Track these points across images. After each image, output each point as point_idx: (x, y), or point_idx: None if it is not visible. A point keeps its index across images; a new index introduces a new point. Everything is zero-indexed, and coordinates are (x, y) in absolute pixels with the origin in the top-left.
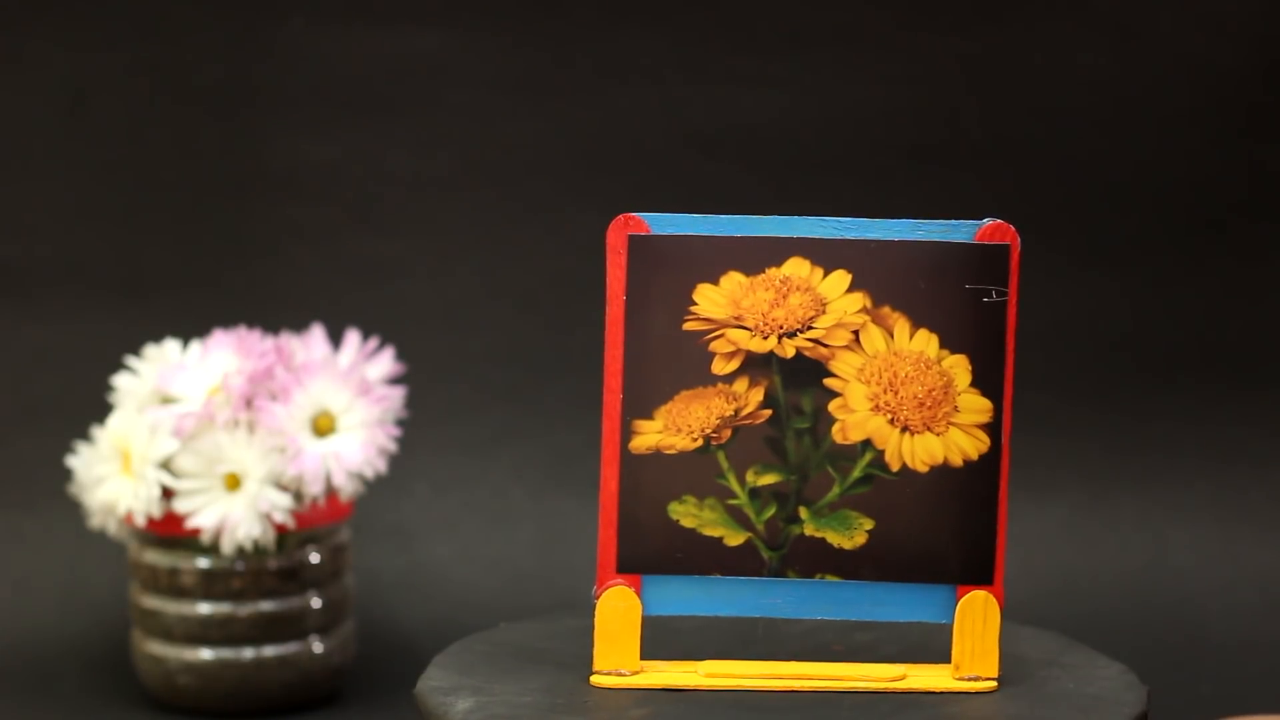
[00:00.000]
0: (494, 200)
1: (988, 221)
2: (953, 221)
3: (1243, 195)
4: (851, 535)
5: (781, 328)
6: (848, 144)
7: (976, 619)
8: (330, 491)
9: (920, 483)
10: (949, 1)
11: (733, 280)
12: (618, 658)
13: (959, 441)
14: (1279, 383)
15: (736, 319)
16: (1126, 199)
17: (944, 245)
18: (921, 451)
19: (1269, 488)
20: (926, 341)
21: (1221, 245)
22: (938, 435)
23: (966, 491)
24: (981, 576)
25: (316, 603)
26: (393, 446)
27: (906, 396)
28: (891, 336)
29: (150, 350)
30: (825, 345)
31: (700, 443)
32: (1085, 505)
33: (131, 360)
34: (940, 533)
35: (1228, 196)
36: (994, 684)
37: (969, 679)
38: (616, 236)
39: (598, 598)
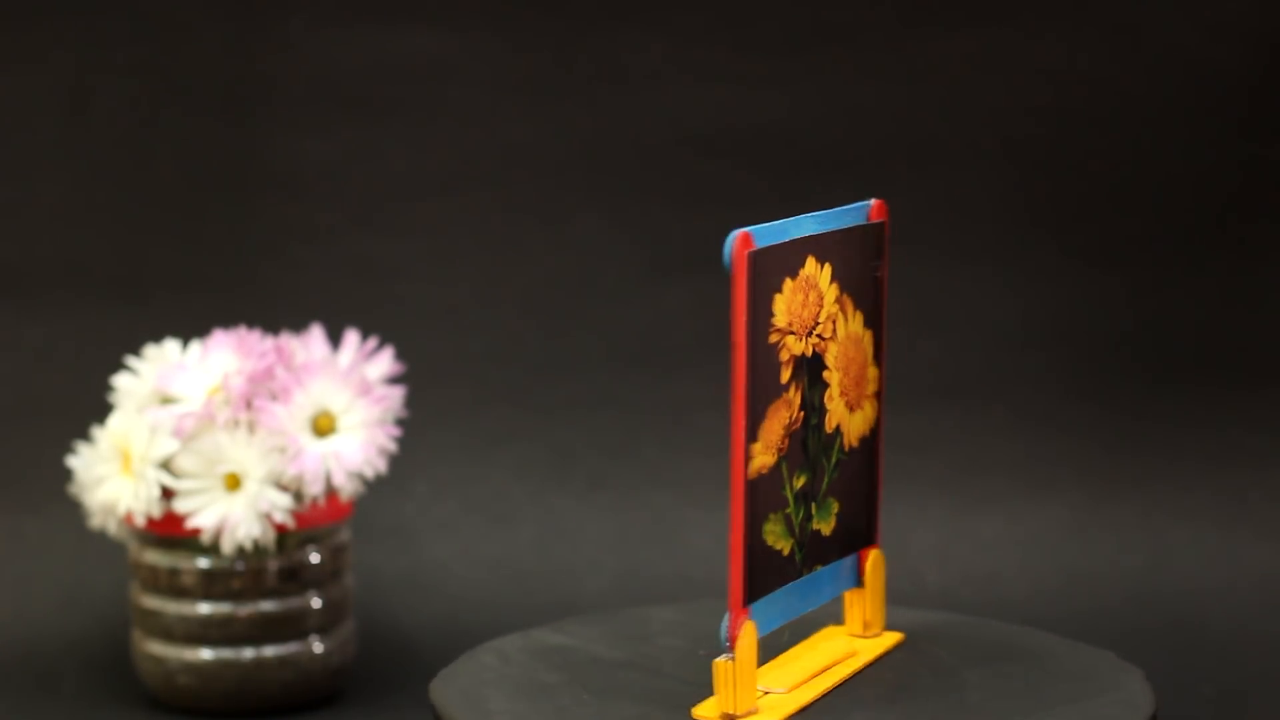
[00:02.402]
0: (494, 200)
1: (872, 202)
2: (857, 204)
3: (1243, 195)
4: (830, 521)
5: (806, 327)
6: (848, 144)
7: (878, 577)
8: (330, 491)
9: (855, 457)
10: (949, 1)
11: (788, 286)
12: (750, 696)
13: (868, 412)
14: (1279, 383)
15: (789, 325)
16: (1126, 199)
17: (859, 228)
18: (856, 427)
19: (1269, 488)
20: (859, 321)
21: (1221, 245)
22: (861, 410)
23: (870, 457)
24: (874, 536)
25: (316, 603)
26: (393, 446)
27: (852, 377)
28: (847, 321)
29: (150, 350)
30: (823, 338)
31: (777, 457)
32: (1085, 505)
33: (131, 360)
34: (861, 501)
35: (1227, 196)
36: (900, 634)
37: (876, 635)
38: (740, 256)
39: (734, 637)
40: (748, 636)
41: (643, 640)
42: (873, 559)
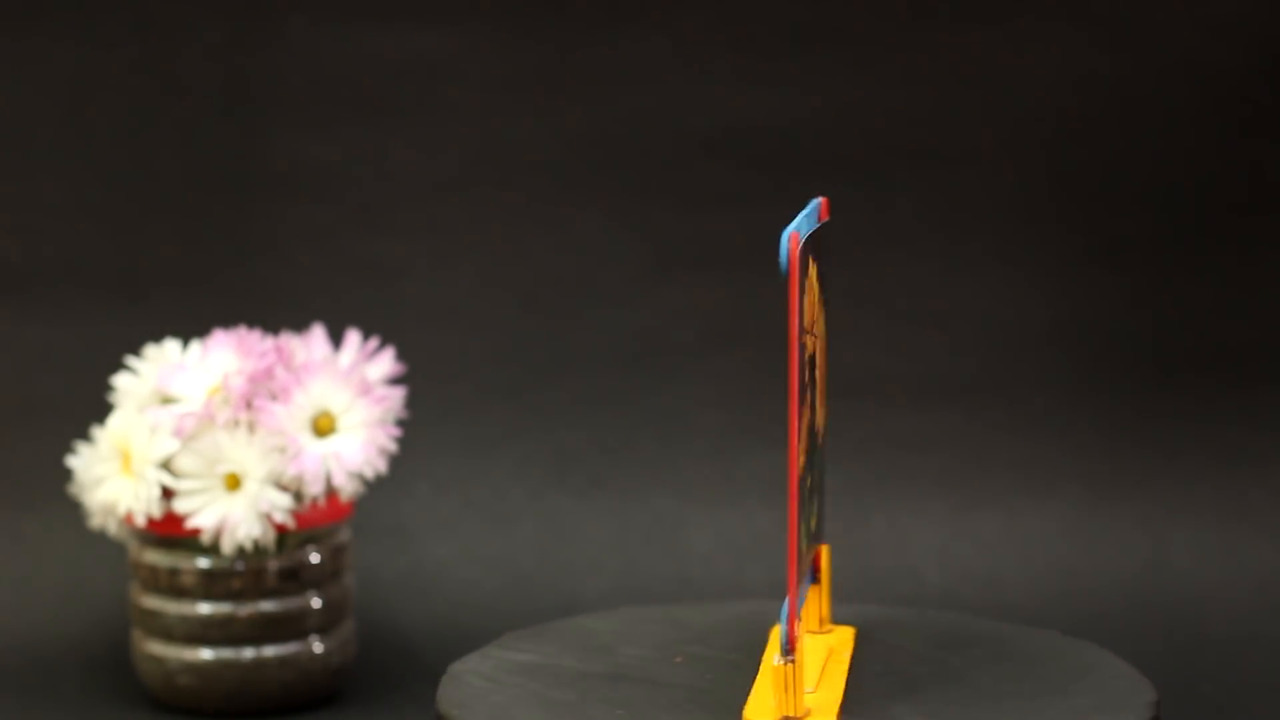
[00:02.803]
0: (494, 200)
1: (820, 200)
2: (811, 204)
3: (1243, 195)
4: (813, 519)
5: (811, 326)
6: (848, 144)
7: (828, 572)
8: (330, 491)
9: (822, 454)
10: (949, 1)
11: (806, 286)
12: (803, 698)
13: (823, 409)
14: (1279, 382)
15: (808, 325)
16: (1127, 199)
17: (821, 227)
18: (821, 424)
19: (1269, 488)
20: (822, 320)
21: (1221, 245)
22: (822, 407)
23: (824, 453)
24: (822, 533)
25: (316, 603)
26: (393, 446)
27: (821, 374)
28: (820, 319)
29: (150, 350)
30: (815, 337)
31: (806, 458)
32: (1085, 505)
33: (131, 360)
34: (821, 496)
35: (1228, 196)
36: (852, 628)
37: (829, 631)
38: (795, 256)
39: (794, 639)
40: (804, 639)
41: (606, 652)
42: (825, 555)
